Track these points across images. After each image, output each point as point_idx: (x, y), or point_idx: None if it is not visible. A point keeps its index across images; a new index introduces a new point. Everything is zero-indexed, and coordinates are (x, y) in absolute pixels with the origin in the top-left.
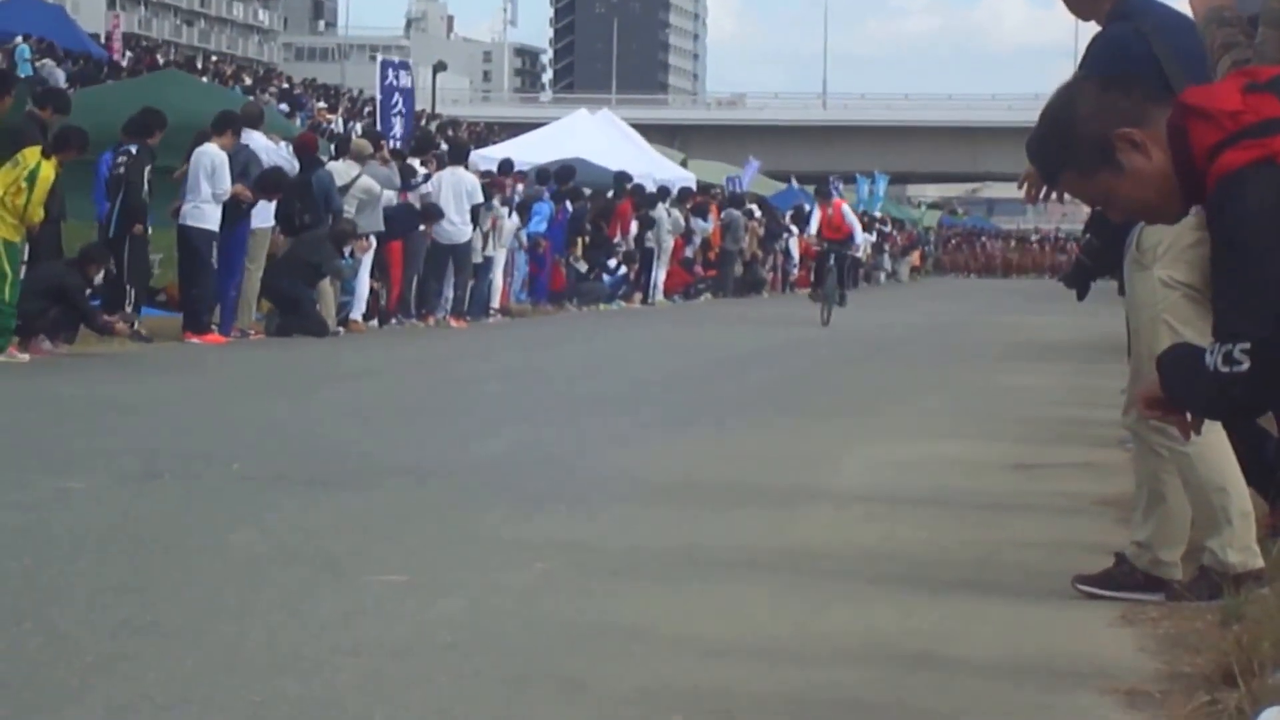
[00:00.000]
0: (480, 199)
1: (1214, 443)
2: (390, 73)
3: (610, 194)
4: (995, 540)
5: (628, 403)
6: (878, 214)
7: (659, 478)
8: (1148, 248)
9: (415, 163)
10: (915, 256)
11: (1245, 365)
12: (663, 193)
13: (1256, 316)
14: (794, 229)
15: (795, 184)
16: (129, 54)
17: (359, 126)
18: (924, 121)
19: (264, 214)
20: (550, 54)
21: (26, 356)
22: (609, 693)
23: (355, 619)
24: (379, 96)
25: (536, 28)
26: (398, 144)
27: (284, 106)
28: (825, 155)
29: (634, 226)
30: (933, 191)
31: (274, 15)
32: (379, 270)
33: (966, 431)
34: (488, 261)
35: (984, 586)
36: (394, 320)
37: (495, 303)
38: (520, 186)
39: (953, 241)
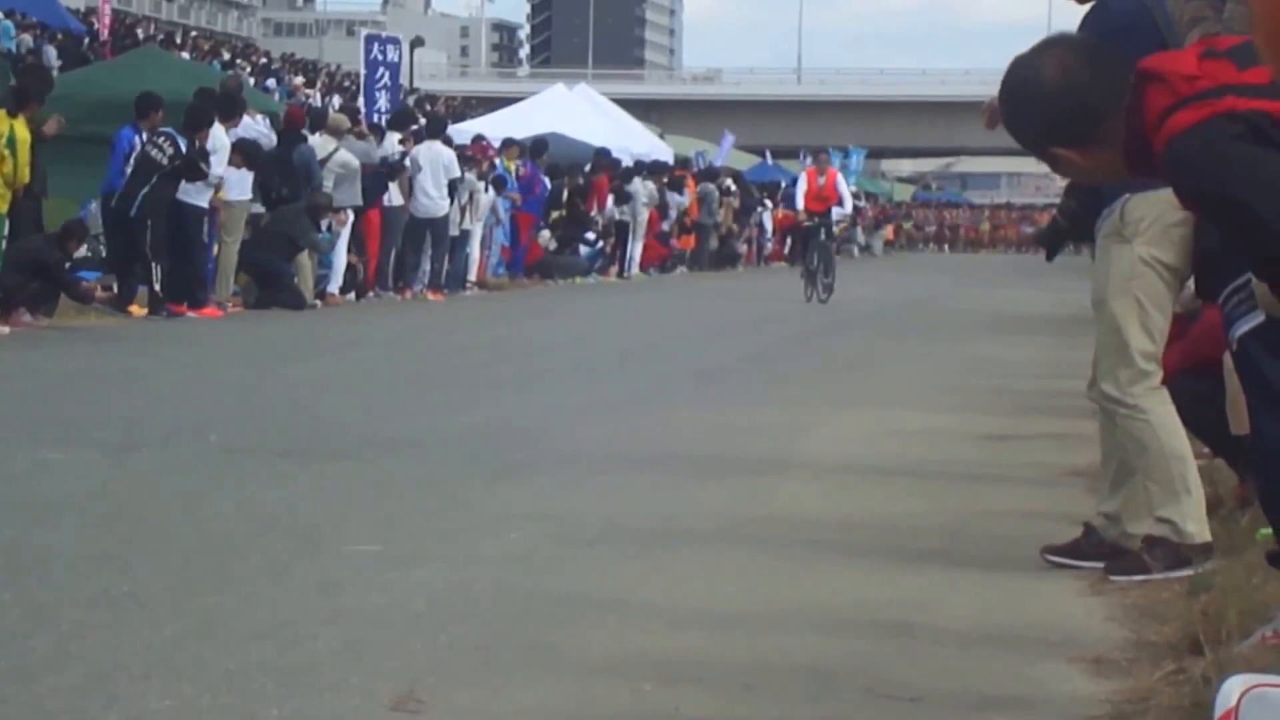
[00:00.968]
0: (457, 173)
1: (1170, 412)
2: (376, 47)
3: (587, 168)
4: (967, 510)
5: (604, 374)
6: (852, 188)
7: (635, 449)
8: (1131, 220)
9: (394, 138)
10: (889, 230)
11: None
12: (638, 166)
13: None
14: (768, 203)
15: (769, 159)
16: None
17: (337, 101)
18: (898, 96)
19: (241, 187)
20: (527, 29)
21: (6, 329)
22: (582, 661)
23: (332, 588)
24: (364, 71)
25: (514, 3)
26: (382, 118)
27: (270, 83)
28: (800, 130)
29: (610, 201)
30: (907, 166)
31: None
32: (356, 244)
33: (939, 403)
34: (464, 235)
35: (955, 556)
36: (371, 294)
37: (472, 276)
38: (499, 160)
39: (926, 215)
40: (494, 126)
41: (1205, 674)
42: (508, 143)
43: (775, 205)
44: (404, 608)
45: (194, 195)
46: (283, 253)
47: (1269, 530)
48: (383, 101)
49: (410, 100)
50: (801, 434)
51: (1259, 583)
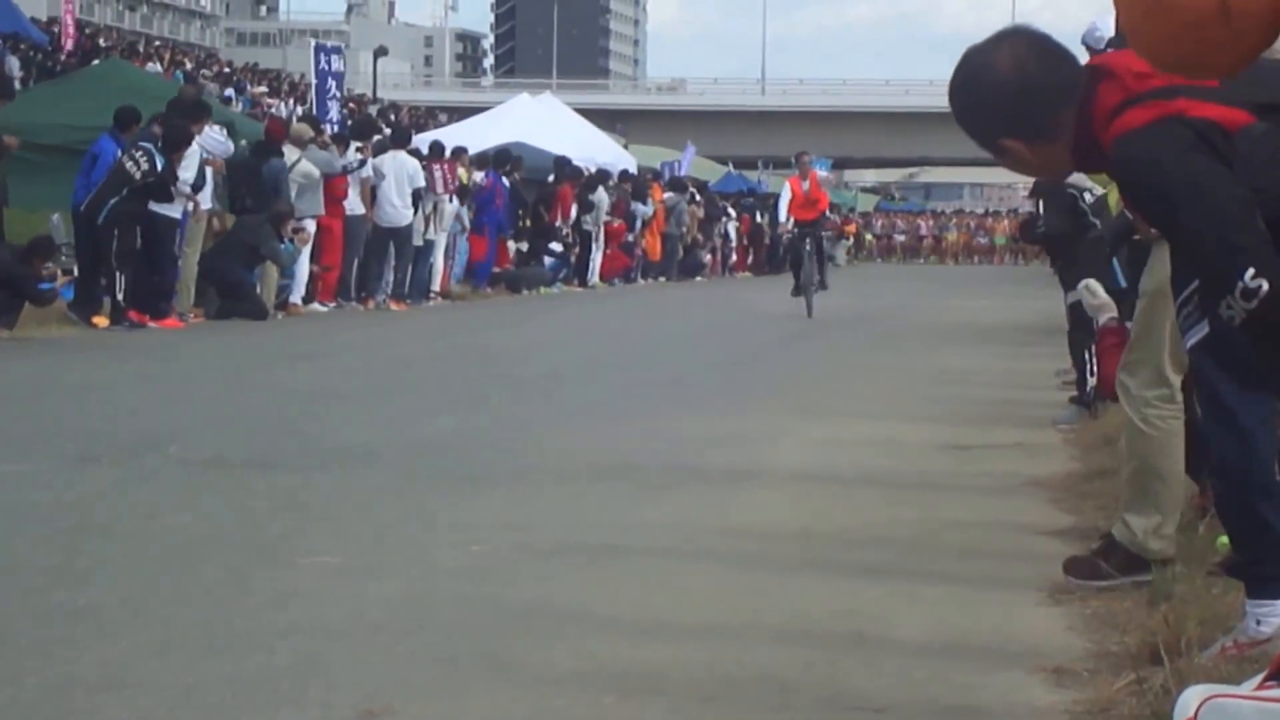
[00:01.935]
0: (422, 183)
1: (1177, 437)
2: (323, 57)
3: (551, 178)
4: (928, 520)
5: (566, 385)
6: None
7: (596, 459)
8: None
9: (352, 147)
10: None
11: (1264, 284)
12: (602, 175)
13: (1237, 243)
14: (732, 212)
15: (733, 169)
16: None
17: (300, 110)
18: (862, 106)
19: (203, 197)
20: (491, 39)
21: None
22: (542, 674)
23: (290, 601)
24: (314, 81)
25: (478, 13)
26: (336, 127)
27: (229, 93)
28: (764, 140)
29: (574, 210)
30: (871, 176)
31: (215, 1)
32: (315, 253)
33: (901, 413)
34: (428, 245)
35: (916, 567)
36: (334, 304)
37: (436, 286)
38: (461, 170)
39: (886, 224)
40: (458, 136)
41: (1165, 684)
42: (458, 151)
43: (740, 214)
44: (363, 620)
45: (166, 207)
46: (244, 262)
47: (1227, 539)
48: (333, 111)
49: (374, 110)
50: (763, 444)
51: (1219, 593)
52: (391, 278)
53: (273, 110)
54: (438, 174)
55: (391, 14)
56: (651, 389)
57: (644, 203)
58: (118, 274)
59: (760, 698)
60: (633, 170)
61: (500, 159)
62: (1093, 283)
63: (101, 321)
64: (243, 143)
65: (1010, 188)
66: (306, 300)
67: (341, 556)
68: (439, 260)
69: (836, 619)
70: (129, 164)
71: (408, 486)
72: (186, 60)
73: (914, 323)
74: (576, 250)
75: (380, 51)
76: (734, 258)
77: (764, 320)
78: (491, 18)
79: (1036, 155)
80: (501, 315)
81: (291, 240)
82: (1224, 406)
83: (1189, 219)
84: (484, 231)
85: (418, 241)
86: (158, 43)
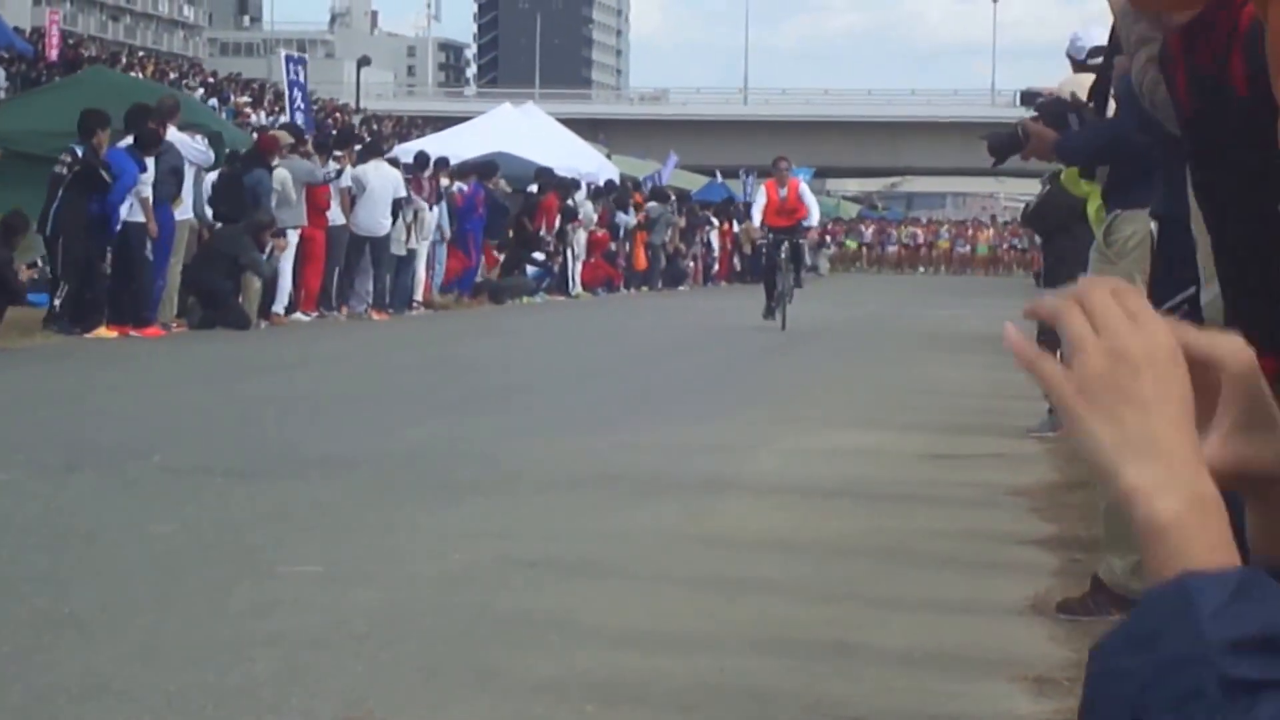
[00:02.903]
0: (403, 193)
1: None
2: (292, 68)
3: (535, 188)
4: (908, 530)
5: (548, 394)
6: None
7: (577, 469)
8: (1118, 239)
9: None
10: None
11: None
12: (574, 183)
13: None
14: (715, 221)
15: (720, 177)
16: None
17: (282, 119)
18: (844, 116)
19: (183, 207)
20: (474, 49)
21: None
22: (523, 682)
23: (272, 610)
24: (286, 91)
25: (460, 23)
26: (308, 136)
27: (213, 102)
28: (747, 149)
29: (558, 220)
30: (853, 186)
31: (199, 10)
32: (298, 263)
33: (881, 422)
34: (411, 254)
35: (897, 576)
36: (316, 313)
37: (418, 295)
38: (444, 180)
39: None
40: (440, 146)
41: None
42: (440, 162)
43: (724, 223)
44: (345, 628)
45: (136, 213)
46: (225, 272)
47: None
48: (301, 120)
49: (356, 120)
50: (743, 454)
51: None
52: (371, 287)
53: (250, 120)
54: (424, 182)
55: (375, 24)
56: (632, 398)
57: (626, 212)
58: (61, 283)
59: (740, 706)
60: (615, 180)
61: (481, 169)
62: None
63: (107, 333)
64: (227, 152)
65: (993, 197)
66: (289, 310)
67: (323, 565)
68: (421, 269)
69: (817, 628)
70: (56, 167)
71: (389, 496)
72: (170, 70)
73: (895, 331)
74: (559, 260)
75: (363, 61)
76: (717, 267)
77: (745, 330)
78: (474, 28)
79: None
80: (484, 325)
81: (270, 252)
82: None
83: None
84: (467, 241)
85: (400, 251)
86: (141, 53)
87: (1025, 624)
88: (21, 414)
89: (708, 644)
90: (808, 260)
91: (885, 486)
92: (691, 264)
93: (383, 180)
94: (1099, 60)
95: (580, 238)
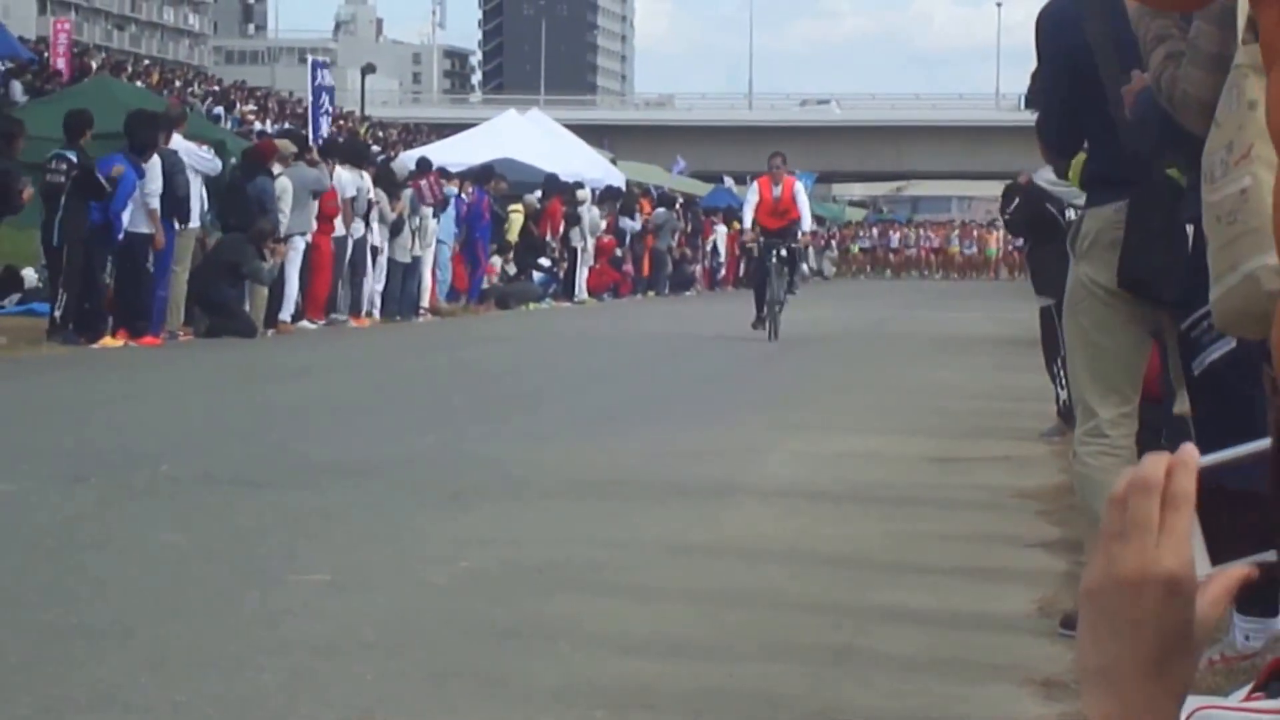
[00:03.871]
0: (370, 196)
1: (1107, 467)
2: (319, 73)
3: (540, 194)
4: (915, 534)
5: (554, 400)
6: None
7: (584, 474)
8: (1080, 236)
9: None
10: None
11: None
12: (577, 187)
13: None
14: (723, 228)
15: (726, 182)
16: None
17: (286, 126)
18: (849, 121)
19: (191, 217)
20: (479, 56)
21: None
22: (532, 689)
23: (280, 618)
24: (310, 98)
25: (465, 30)
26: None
27: (219, 111)
28: (752, 155)
29: (563, 226)
30: (858, 190)
31: (204, 19)
32: (304, 270)
33: (887, 426)
34: (416, 261)
35: (904, 580)
36: (323, 321)
37: (424, 302)
38: (444, 185)
39: (874, 233)
40: (445, 152)
41: None
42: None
43: (731, 227)
44: (352, 636)
45: (140, 224)
46: (228, 280)
47: None
48: (325, 126)
49: (363, 128)
50: (750, 458)
51: None
52: (350, 294)
53: (255, 128)
54: (425, 187)
55: (379, 31)
56: (638, 404)
57: (632, 218)
58: (61, 292)
59: (749, 711)
60: (621, 186)
61: (479, 175)
62: None
63: (112, 342)
64: (231, 161)
65: (998, 200)
66: (295, 318)
67: (331, 574)
68: (427, 276)
69: (824, 632)
70: (50, 176)
71: (396, 503)
72: (176, 79)
73: (900, 335)
74: (565, 265)
75: (368, 69)
76: (723, 271)
77: (750, 335)
78: (479, 34)
79: None
80: (490, 331)
81: (271, 256)
82: (1252, 405)
83: None
84: (474, 248)
85: (405, 258)
86: (147, 61)
87: (1032, 627)
88: (28, 424)
89: (716, 649)
90: (813, 264)
91: (892, 490)
92: (698, 269)
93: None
94: None
95: (588, 244)
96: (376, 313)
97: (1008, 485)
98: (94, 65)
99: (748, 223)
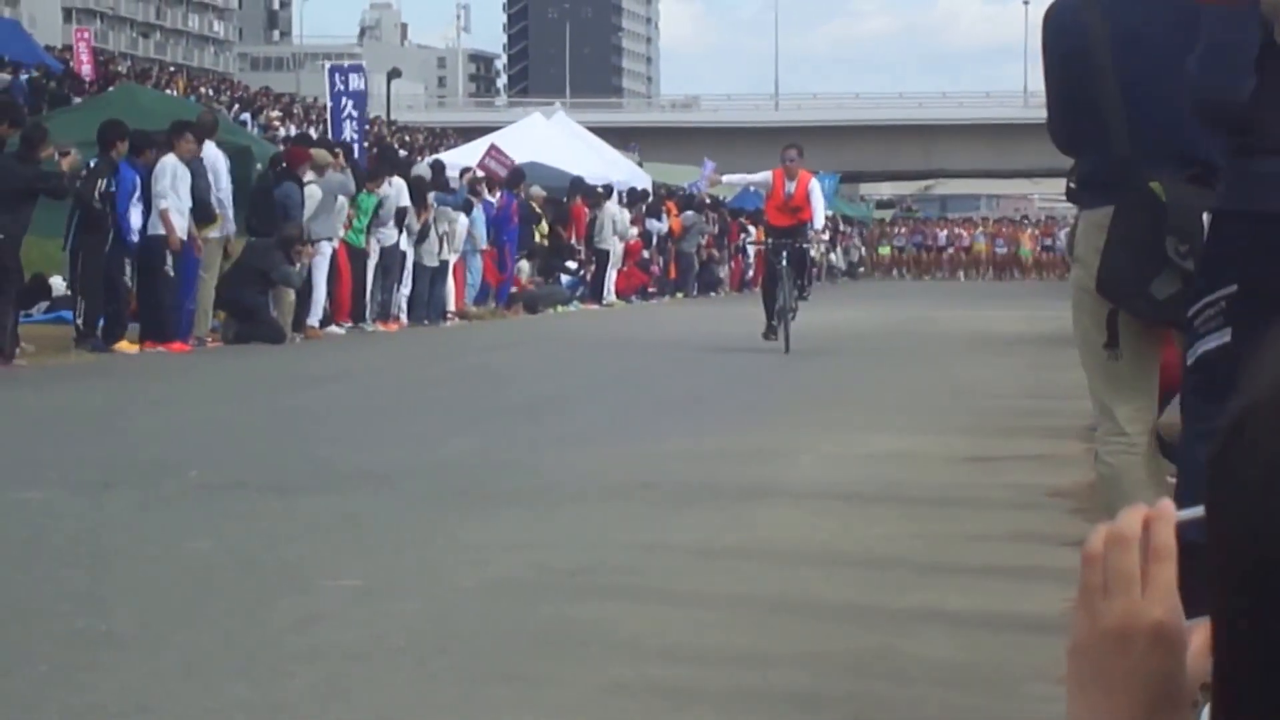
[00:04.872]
0: (407, 202)
1: (1128, 466)
2: (338, 78)
3: (565, 199)
4: (950, 535)
5: (583, 403)
6: (829, 212)
7: (615, 478)
8: (1077, 239)
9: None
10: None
11: None
12: (606, 191)
13: None
14: (752, 229)
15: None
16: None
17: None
18: (875, 120)
19: (224, 223)
20: (504, 59)
21: None
22: (564, 694)
23: (311, 624)
24: (329, 103)
25: (490, 34)
26: (356, 148)
27: (245, 117)
28: (778, 155)
29: (587, 229)
30: (886, 189)
31: (229, 26)
32: (331, 275)
33: (921, 426)
34: (443, 266)
35: (939, 581)
36: (351, 325)
37: (451, 307)
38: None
39: (902, 230)
40: (471, 157)
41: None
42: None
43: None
44: (384, 641)
45: (157, 226)
46: (256, 286)
47: None
48: (349, 131)
49: (387, 133)
50: (782, 460)
51: None
52: (382, 299)
53: (280, 133)
54: (491, 164)
55: (404, 36)
56: (668, 406)
57: (659, 219)
58: (78, 300)
59: (783, 714)
60: (648, 188)
61: (510, 178)
62: None
63: (129, 347)
64: (257, 166)
65: (1027, 198)
66: (324, 323)
67: (361, 579)
68: (454, 280)
69: (860, 635)
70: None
71: (426, 508)
72: (201, 86)
73: (932, 334)
74: (592, 268)
75: (394, 73)
76: (751, 272)
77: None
78: (504, 38)
79: None
80: (518, 335)
81: (296, 260)
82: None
83: None
84: (503, 251)
85: (433, 262)
86: (172, 68)
87: (1065, 627)
88: (57, 432)
89: (750, 653)
90: (840, 263)
91: (925, 490)
92: (726, 270)
93: (387, 192)
94: None
95: (616, 246)
96: (404, 317)
97: (1042, 484)
98: (118, 73)
99: (736, 178)
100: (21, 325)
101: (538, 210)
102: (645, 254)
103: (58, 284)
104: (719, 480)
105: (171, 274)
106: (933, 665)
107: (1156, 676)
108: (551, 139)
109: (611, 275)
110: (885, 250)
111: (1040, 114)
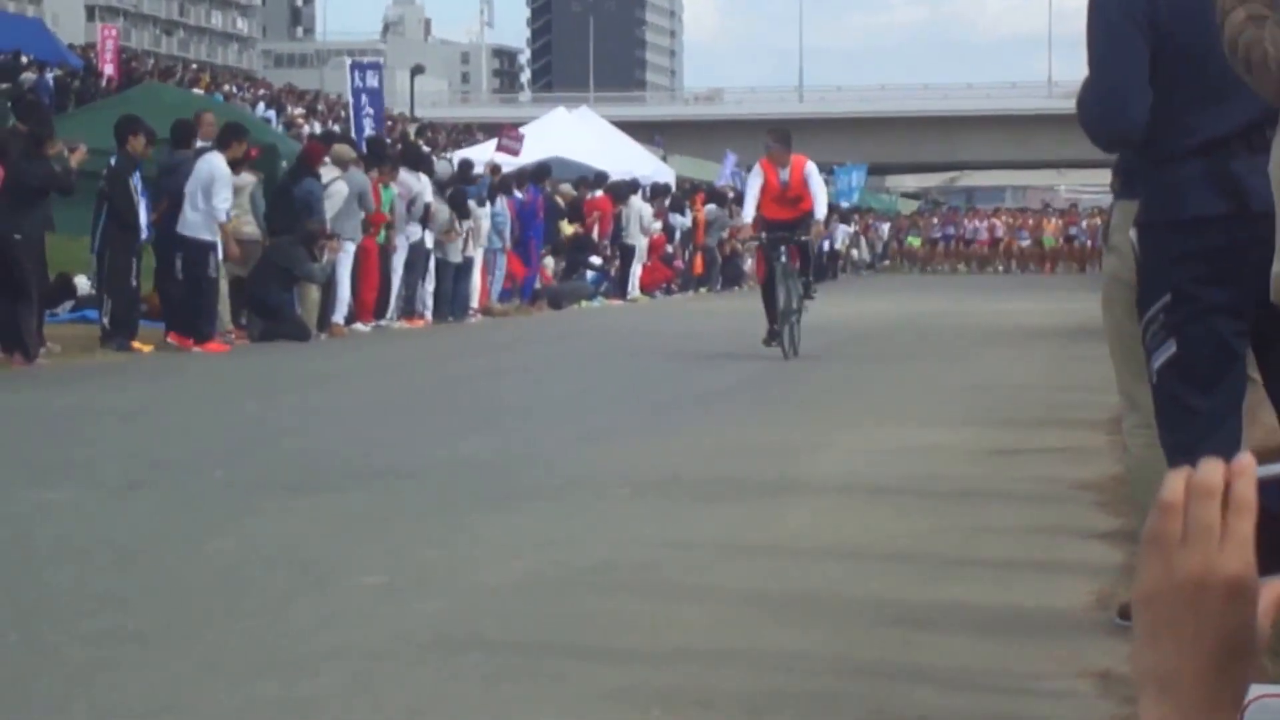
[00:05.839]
0: (430, 198)
1: (1152, 458)
2: (358, 75)
3: (576, 191)
4: (973, 527)
5: (606, 399)
6: (854, 201)
7: (638, 474)
8: (1112, 229)
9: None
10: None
11: None
12: (632, 185)
13: None
14: None
15: None
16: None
17: (336, 129)
18: (900, 112)
19: (249, 223)
20: (528, 54)
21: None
22: (588, 690)
23: (335, 622)
24: (351, 100)
25: (514, 28)
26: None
27: (269, 113)
28: (803, 147)
29: (612, 224)
30: (911, 182)
31: (252, 23)
32: (355, 273)
33: (944, 418)
34: (468, 262)
35: (962, 574)
36: (376, 323)
37: (475, 303)
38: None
39: (934, 221)
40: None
41: None
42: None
43: None
44: (408, 639)
45: (199, 229)
46: (281, 284)
47: None
48: (368, 128)
49: (412, 129)
50: (804, 454)
51: None
52: (406, 294)
53: (304, 130)
54: (507, 145)
55: (428, 32)
56: (690, 402)
57: (683, 214)
58: (105, 298)
59: (808, 710)
60: (672, 182)
61: (536, 173)
62: None
63: (143, 347)
64: (283, 165)
65: (1053, 189)
66: (348, 320)
67: (387, 577)
68: (478, 277)
69: (882, 628)
70: (99, 183)
71: (450, 506)
72: (225, 83)
73: (955, 327)
74: (616, 264)
75: (417, 69)
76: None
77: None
78: (528, 33)
79: None
80: (542, 331)
81: (320, 255)
82: (1193, 418)
83: None
84: (528, 247)
85: (456, 258)
86: (195, 66)
87: (1091, 620)
88: (81, 431)
89: (774, 649)
90: (864, 255)
91: (949, 483)
92: (749, 265)
93: (406, 188)
94: None
95: (641, 241)
96: (429, 314)
97: (1067, 476)
98: (141, 71)
99: (748, 214)
100: (46, 325)
101: (563, 206)
102: (669, 249)
103: (82, 283)
104: (741, 476)
105: (214, 276)
106: (955, 658)
107: (1230, 628)
108: (576, 133)
109: (636, 270)
110: (916, 240)
111: (1065, 105)
